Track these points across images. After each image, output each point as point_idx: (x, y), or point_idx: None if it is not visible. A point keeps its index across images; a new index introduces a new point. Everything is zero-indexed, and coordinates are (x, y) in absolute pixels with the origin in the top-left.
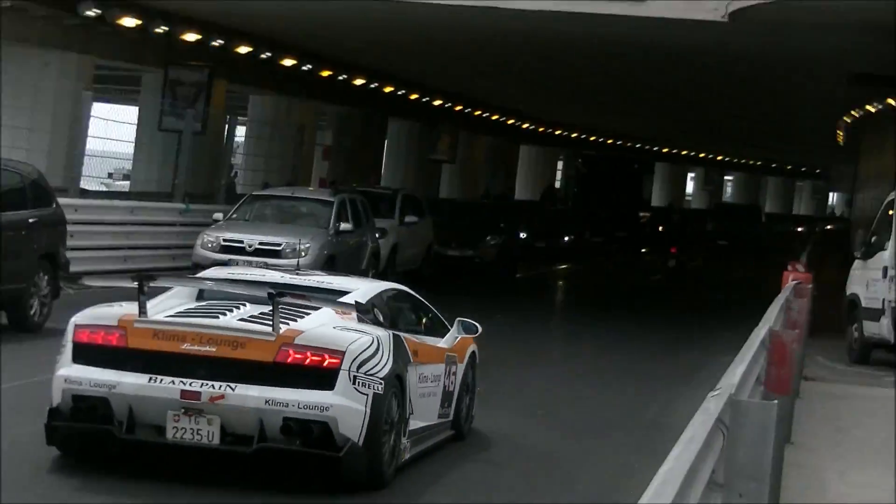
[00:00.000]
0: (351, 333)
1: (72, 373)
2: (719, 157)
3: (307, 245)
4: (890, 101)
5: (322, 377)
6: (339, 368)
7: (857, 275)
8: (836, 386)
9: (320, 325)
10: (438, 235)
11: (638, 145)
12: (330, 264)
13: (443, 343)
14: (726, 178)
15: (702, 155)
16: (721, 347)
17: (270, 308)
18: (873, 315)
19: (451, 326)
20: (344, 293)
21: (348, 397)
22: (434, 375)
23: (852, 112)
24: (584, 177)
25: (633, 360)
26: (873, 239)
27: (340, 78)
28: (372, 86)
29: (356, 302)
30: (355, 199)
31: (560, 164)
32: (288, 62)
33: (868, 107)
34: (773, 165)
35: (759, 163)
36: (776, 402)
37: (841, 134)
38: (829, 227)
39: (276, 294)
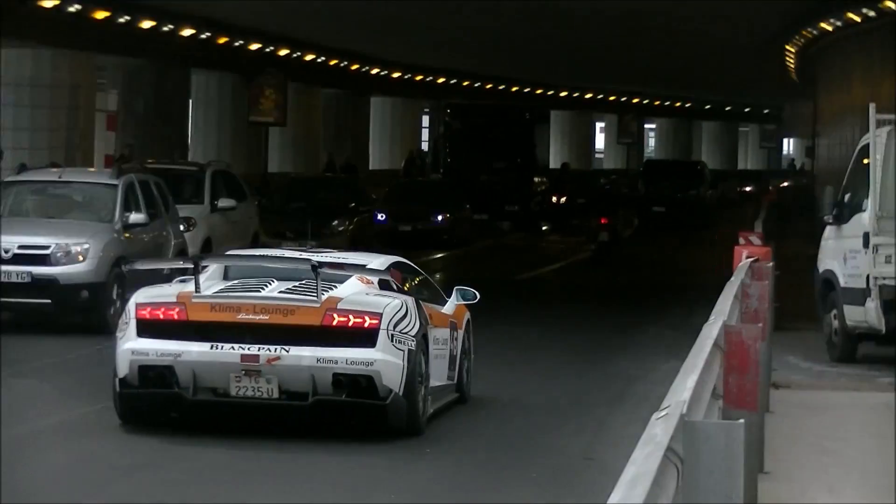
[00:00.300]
0: (384, 298)
1: (138, 346)
2: (635, 100)
3: (85, 246)
4: (850, 15)
5: (364, 336)
6: (379, 328)
7: (830, 245)
8: (816, 393)
9: (354, 293)
10: (267, 224)
11: (527, 89)
12: (117, 269)
13: (445, 310)
14: (647, 126)
15: (612, 98)
16: (662, 351)
17: (296, 283)
18: (855, 297)
19: (449, 295)
20: (361, 266)
21: (388, 353)
22: (443, 339)
23: (804, 32)
24: (456, 134)
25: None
26: (847, 197)
27: (121, 20)
28: (165, 28)
29: (382, 267)
30: (148, 182)
31: (426, 120)
32: (48, 2)
33: (823, 24)
34: (708, 107)
35: (688, 105)
36: (741, 420)
37: (792, 62)
38: (785, 183)
39: (318, 266)
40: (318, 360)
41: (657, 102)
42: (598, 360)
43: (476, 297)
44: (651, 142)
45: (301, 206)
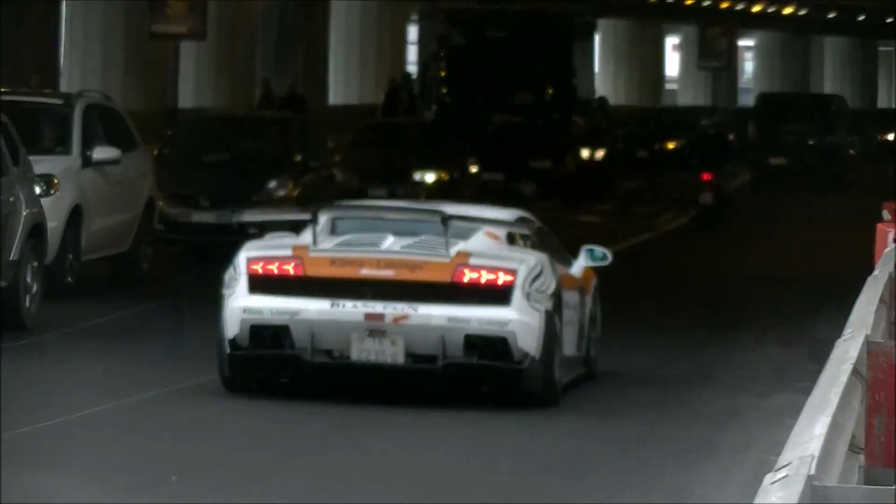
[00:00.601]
0: (518, 253)
1: (250, 303)
2: (725, 4)
3: None
4: None
5: (498, 294)
6: (514, 286)
7: None
8: None
9: (485, 248)
10: (167, 184)
11: None
12: None
13: (573, 271)
14: (742, 43)
15: (691, 1)
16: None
17: (418, 237)
18: None
19: (575, 255)
20: (486, 220)
21: (524, 313)
22: (574, 304)
23: None
24: (457, 53)
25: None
26: None
27: None
28: None
29: (509, 221)
30: None
31: (413, 33)
32: None
33: None
34: (832, 16)
35: (802, 12)
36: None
37: None
38: None
39: (447, 218)
40: (448, 320)
41: (757, 8)
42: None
43: (607, 259)
44: (748, 66)
45: (220, 160)
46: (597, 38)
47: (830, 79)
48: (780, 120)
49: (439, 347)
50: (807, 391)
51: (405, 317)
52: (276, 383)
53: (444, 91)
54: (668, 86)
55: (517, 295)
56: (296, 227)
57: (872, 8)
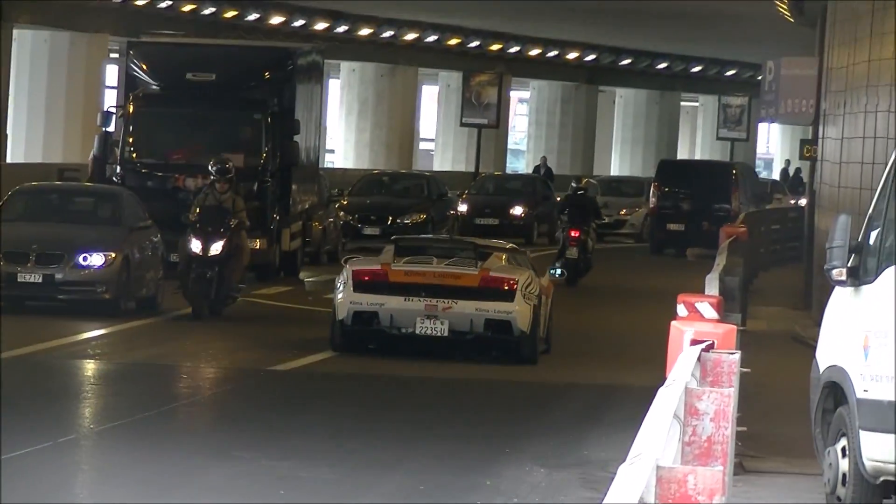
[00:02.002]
0: (518, 269)
1: (354, 298)
2: (496, 47)
3: None
4: None
5: (506, 294)
6: (516, 289)
7: (841, 323)
8: None
9: (498, 266)
10: None
11: (283, 20)
12: None
13: (542, 282)
14: (517, 95)
15: (454, 41)
16: None
17: (450, 260)
18: (883, 418)
19: (540, 274)
20: (496, 247)
21: (521, 306)
22: (543, 302)
23: None
24: (148, 101)
25: None
26: (873, 235)
27: None
28: None
29: (508, 248)
30: None
31: (112, 73)
32: None
33: None
34: (627, 62)
35: (587, 56)
36: None
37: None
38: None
39: (478, 247)
40: (475, 309)
41: (535, 52)
42: None
43: (564, 276)
44: (522, 121)
45: None
46: (336, 84)
47: (620, 138)
48: (679, 185)
49: (469, 326)
50: None
51: (449, 307)
52: (366, 348)
53: (130, 150)
54: (424, 146)
55: (518, 294)
56: None
57: (671, 54)
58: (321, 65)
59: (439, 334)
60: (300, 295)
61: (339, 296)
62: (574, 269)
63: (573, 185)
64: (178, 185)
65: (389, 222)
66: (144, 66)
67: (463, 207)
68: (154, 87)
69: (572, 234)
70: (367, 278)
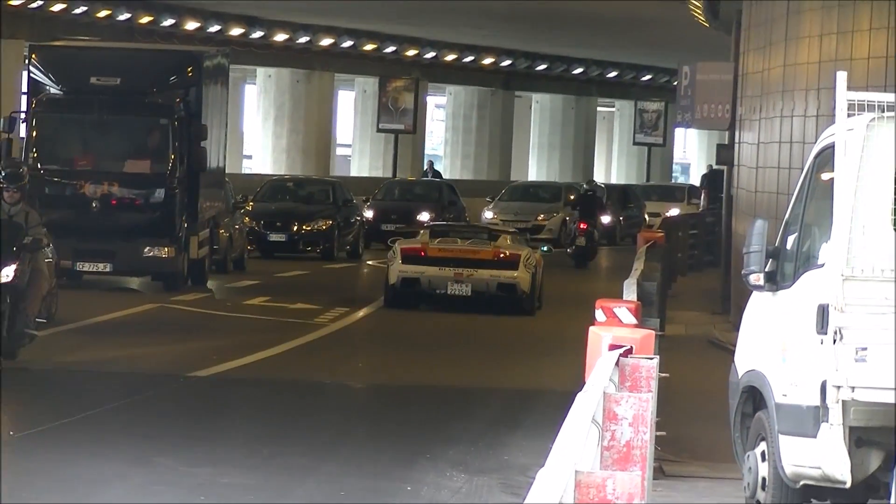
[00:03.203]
0: (520, 245)
1: (403, 268)
2: (411, 53)
3: None
4: None
5: (512, 263)
6: (520, 260)
7: (759, 327)
8: None
9: (506, 244)
10: None
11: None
12: None
13: (537, 255)
14: (434, 101)
15: (371, 47)
16: None
17: (470, 240)
18: (801, 422)
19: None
20: (501, 231)
21: (524, 273)
22: (538, 271)
23: None
24: (51, 106)
25: None
26: (790, 240)
27: None
28: None
29: (511, 232)
30: None
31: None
32: None
33: None
34: (543, 67)
35: (499, 62)
36: None
37: (698, 4)
38: (675, 210)
39: (490, 231)
40: (490, 276)
41: (451, 58)
42: None
43: (550, 251)
44: (439, 127)
45: None
46: (253, 89)
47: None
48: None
49: (486, 288)
50: None
51: (472, 274)
52: (412, 304)
53: (34, 157)
54: (341, 151)
55: (520, 265)
56: None
57: (582, 59)
58: (227, 68)
59: (464, 294)
60: (217, 302)
61: (391, 266)
62: (583, 255)
63: (584, 186)
64: (83, 191)
65: (295, 229)
66: (47, 70)
67: (369, 214)
68: (57, 91)
69: (581, 226)
70: (411, 253)
